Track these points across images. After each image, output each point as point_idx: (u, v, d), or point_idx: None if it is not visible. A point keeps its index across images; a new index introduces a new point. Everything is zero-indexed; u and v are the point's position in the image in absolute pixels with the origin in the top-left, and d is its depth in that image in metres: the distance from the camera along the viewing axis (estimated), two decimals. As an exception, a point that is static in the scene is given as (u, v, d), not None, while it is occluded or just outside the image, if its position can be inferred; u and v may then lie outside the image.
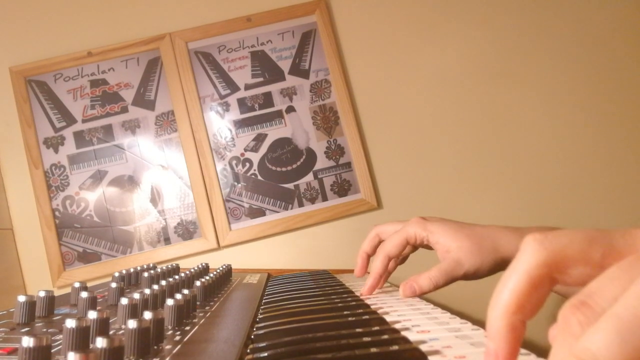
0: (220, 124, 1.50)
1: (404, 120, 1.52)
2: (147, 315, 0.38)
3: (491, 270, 0.66)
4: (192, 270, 0.80)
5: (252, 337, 0.47)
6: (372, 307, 0.57)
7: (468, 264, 0.64)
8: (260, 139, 1.50)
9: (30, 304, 0.49)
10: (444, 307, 0.55)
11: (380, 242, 0.76)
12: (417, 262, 0.82)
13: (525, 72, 1.56)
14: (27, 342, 0.31)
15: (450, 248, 0.66)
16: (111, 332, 0.43)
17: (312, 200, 1.47)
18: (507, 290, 0.26)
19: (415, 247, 0.74)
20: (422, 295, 0.66)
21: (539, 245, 0.26)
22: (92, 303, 0.52)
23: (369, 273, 0.74)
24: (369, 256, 0.77)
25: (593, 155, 1.52)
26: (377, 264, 0.70)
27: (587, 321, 0.21)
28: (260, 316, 0.57)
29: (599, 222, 1.46)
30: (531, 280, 0.26)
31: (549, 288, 0.26)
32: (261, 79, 1.52)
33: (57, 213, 1.44)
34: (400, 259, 0.77)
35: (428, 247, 0.71)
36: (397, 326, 0.46)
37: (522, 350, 0.47)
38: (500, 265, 0.66)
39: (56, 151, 1.47)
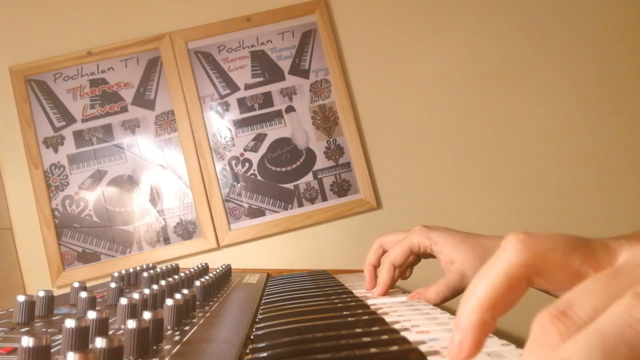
0: (220, 124, 1.50)
1: (403, 120, 1.52)
2: (147, 315, 0.38)
3: None
4: (192, 270, 0.80)
5: (252, 337, 0.47)
6: (371, 307, 0.57)
7: (472, 277, 0.65)
8: (259, 138, 1.50)
9: (30, 304, 0.49)
10: (444, 308, 0.55)
11: (384, 252, 0.76)
12: (423, 273, 0.81)
13: (524, 73, 1.56)
14: (27, 342, 0.31)
15: (453, 259, 0.67)
16: (110, 332, 0.43)
17: (312, 200, 1.47)
18: (483, 285, 0.26)
19: (418, 257, 0.74)
20: None
21: (522, 245, 0.25)
22: (92, 303, 0.52)
23: None
24: (376, 268, 0.77)
25: (593, 156, 1.52)
26: (383, 274, 0.71)
27: (567, 332, 0.21)
28: (260, 316, 0.57)
29: (598, 224, 1.46)
30: (509, 280, 0.25)
31: (525, 288, 0.26)
32: (261, 79, 1.52)
33: (56, 213, 1.44)
34: (405, 267, 0.76)
35: (431, 255, 0.72)
36: (396, 326, 0.46)
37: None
38: None
39: (56, 151, 1.47)
